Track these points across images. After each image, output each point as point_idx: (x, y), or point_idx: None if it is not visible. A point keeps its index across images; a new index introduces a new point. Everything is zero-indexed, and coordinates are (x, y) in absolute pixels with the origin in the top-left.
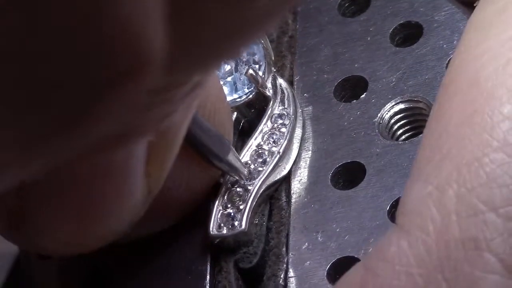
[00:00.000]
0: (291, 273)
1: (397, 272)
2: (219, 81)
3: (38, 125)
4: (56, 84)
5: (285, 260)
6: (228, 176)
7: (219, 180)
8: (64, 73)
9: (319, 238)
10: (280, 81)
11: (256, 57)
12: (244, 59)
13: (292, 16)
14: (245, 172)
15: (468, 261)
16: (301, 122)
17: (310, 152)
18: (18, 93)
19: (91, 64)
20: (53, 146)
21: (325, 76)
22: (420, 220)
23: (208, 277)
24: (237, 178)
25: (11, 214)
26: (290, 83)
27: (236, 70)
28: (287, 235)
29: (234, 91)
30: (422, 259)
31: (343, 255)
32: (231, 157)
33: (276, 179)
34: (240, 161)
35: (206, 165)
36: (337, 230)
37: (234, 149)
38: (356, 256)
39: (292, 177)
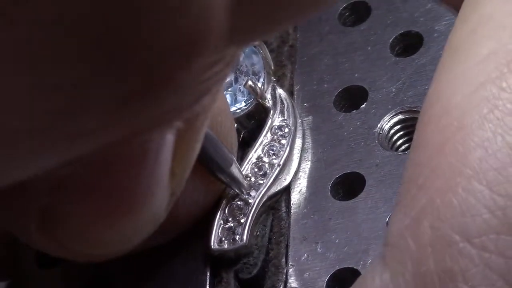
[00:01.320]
0: (290, 284)
1: None
2: (224, 94)
3: (133, 85)
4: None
5: (285, 271)
6: (230, 189)
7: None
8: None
9: (318, 249)
10: (280, 91)
11: (256, 68)
12: (243, 70)
13: (292, 26)
14: (246, 185)
15: None
16: (301, 132)
17: (309, 162)
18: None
19: (171, 31)
20: (137, 110)
21: (325, 85)
22: (399, 253)
23: (207, 286)
24: (237, 191)
25: (44, 214)
26: (290, 92)
27: (236, 81)
28: (287, 246)
29: (234, 102)
30: None
31: (342, 266)
32: (233, 170)
33: (276, 190)
34: (241, 173)
35: (210, 177)
36: (337, 241)
37: (236, 161)
38: (355, 268)
39: (292, 187)
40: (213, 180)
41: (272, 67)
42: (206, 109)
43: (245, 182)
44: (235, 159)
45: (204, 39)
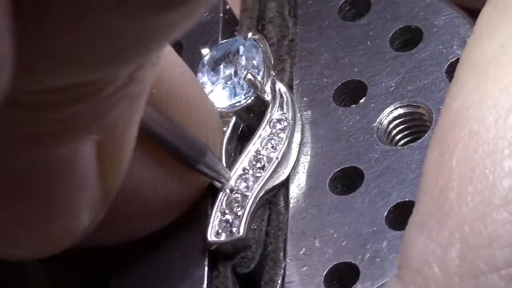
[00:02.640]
0: (288, 278)
1: None
2: (198, 86)
3: None
4: None
5: (283, 266)
6: (227, 182)
7: (216, 186)
8: None
9: (316, 244)
10: (279, 85)
11: (255, 62)
12: (243, 64)
13: (292, 20)
14: (226, 175)
15: None
16: (300, 126)
17: (308, 156)
18: None
19: None
20: None
21: (325, 80)
22: (421, 280)
23: (205, 281)
24: (219, 184)
25: None
26: (290, 87)
27: (236, 74)
28: (285, 240)
29: (233, 95)
30: None
31: (341, 261)
32: (208, 160)
33: (274, 184)
34: (220, 163)
35: (184, 168)
36: (335, 235)
37: (212, 152)
38: (353, 262)
39: (290, 182)
40: (188, 171)
41: (272, 61)
42: (124, 120)
43: (225, 172)
44: (210, 148)
45: None
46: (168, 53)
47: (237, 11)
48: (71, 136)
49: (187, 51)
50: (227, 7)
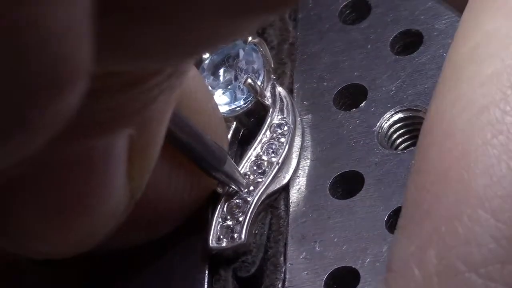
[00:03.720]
0: (288, 283)
1: None
2: (209, 92)
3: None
4: None
5: (283, 270)
6: (228, 187)
7: (217, 190)
8: None
9: (316, 248)
10: (279, 89)
11: (255, 66)
12: (243, 68)
13: (292, 23)
14: (244, 183)
15: None
16: (300, 130)
17: (309, 161)
18: None
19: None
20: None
21: (325, 84)
22: (403, 282)
23: (206, 284)
24: (235, 189)
25: None
26: (290, 90)
27: (236, 79)
28: (285, 245)
29: (233, 100)
30: None
31: (341, 265)
32: (227, 167)
33: (275, 188)
34: (238, 171)
35: (200, 174)
36: (335, 240)
37: (231, 158)
38: (353, 267)
39: (291, 186)
40: (203, 176)
41: (272, 65)
42: (158, 115)
43: (242, 180)
44: (228, 156)
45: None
46: None
47: None
48: (115, 126)
49: None
50: None
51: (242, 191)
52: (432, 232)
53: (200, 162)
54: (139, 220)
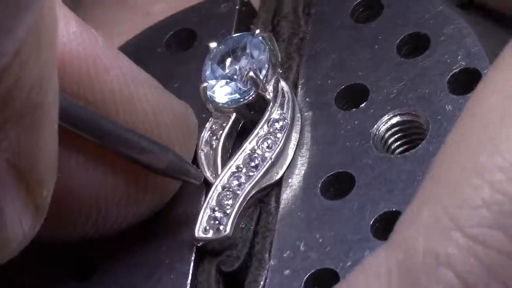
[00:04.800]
0: (270, 280)
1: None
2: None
3: None
4: None
5: (267, 267)
6: (219, 180)
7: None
8: None
9: (301, 247)
10: (283, 84)
11: (261, 59)
12: (248, 60)
13: (305, 17)
14: (199, 175)
15: (426, 273)
16: (299, 127)
17: (304, 158)
18: None
19: None
20: None
21: (329, 81)
22: (395, 234)
23: (190, 276)
24: (191, 180)
25: None
26: (294, 85)
27: (239, 71)
28: (271, 242)
29: (234, 91)
30: (389, 271)
31: (323, 267)
32: (172, 162)
33: (267, 184)
34: (188, 164)
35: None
36: (320, 240)
37: (176, 154)
38: (334, 269)
39: (283, 182)
40: (149, 174)
41: (280, 59)
42: (26, 140)
43: (196, 172)
44: (175, 152)
45: None
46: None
47: (256, 4)
48: None
49: (200, 40)
50: None
51: (199, 183)
52: (431, 194)
53: (139, 162)
54: (76, 215)
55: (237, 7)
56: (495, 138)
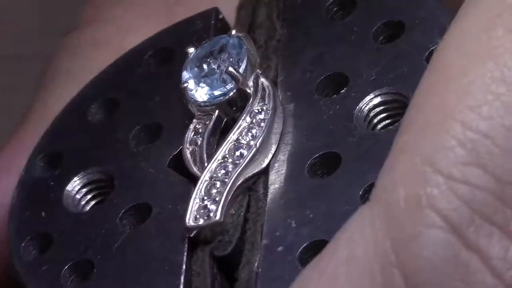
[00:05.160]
0: (263, 258)
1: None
2: None
3: None
4: None
5: (260, 248)
6: (207, 170)
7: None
8: None
9: (292, 225)
10: (262, 79)
11: (239, 57)
12: (226, 59)
13: (280, 23)
14: None
15: (410, 218)
16: (282, 118)
17: (289, 146)
18: None
19: None
20: None
21: (308, 75)
22: (376, 190)
23: (184, 266)
24: None
25: None
26: (274, 83)
27: (218, 68)
28: (262, 225)
29: (215, 88)
30: (373, 223)
31: (315, 239)
32: None
33: (254, 172)
34: None
35: None
36: (311, 216)
37: None
38: (327, 240)
39: (270, 169)
40: None
41: (258, 60)
42: None
43: None
44: None
45: None
46: None
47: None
48: None
49: (179, 57)
50: (220, 16)
51: None
52: (407, 142)
53: None
54: None
55: (213, 22)
56: (462, 82)
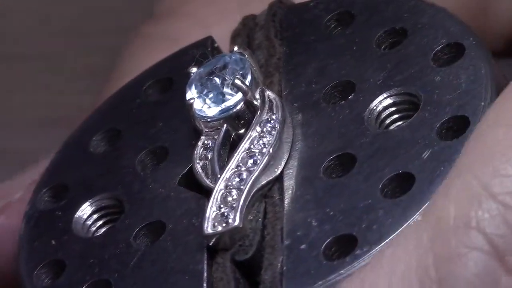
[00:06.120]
0: (286, 258)
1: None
2: None
3: None
4: None
5: (282, 250)
6: (221, 180)
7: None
8: None
9: (313, 223)
10: (268, 92)
11: (243, 72)
12: (230, 72)
13: (279, 41)
14: None
15: (457, 237)
16: (291, 128)
17: (301, 152)
18: None
19: None
20: None
21: (313, 86)
22: (429, 207)
23: (205, 274)
24: None
25: None
26: (280, 98)
27: (224, 81)
28: (282, 228)
29: (221, 102)
30: (420, 237)
31: (338, 234)
32: None
33: (268, 179)
34: None
35: None
36: (331, 213)
37: None
38: (350, 233)
39: (284, 175)
40: None
41: (261, 77)
42: None
43: None
44: None
45: None
46: None
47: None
48: None
49: (178, 84)
50: (215, 45)
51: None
52: (464, 165)
53: None
54: None
55: (209, 49)
56: None
